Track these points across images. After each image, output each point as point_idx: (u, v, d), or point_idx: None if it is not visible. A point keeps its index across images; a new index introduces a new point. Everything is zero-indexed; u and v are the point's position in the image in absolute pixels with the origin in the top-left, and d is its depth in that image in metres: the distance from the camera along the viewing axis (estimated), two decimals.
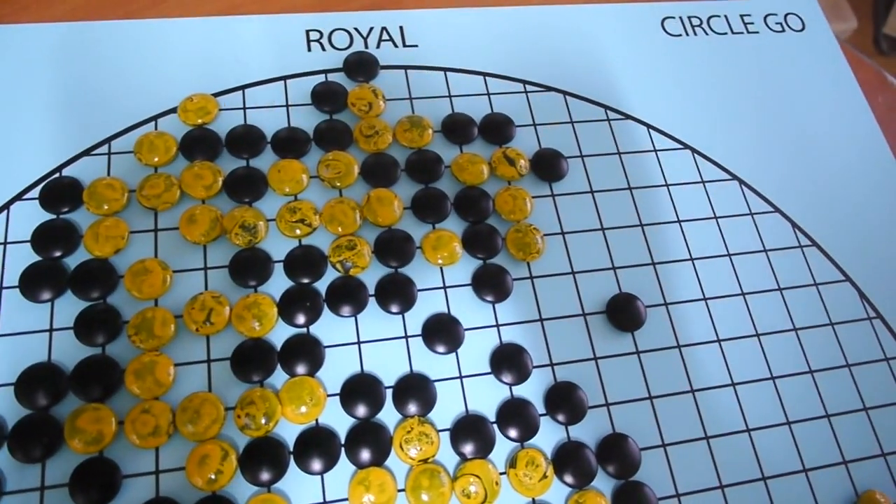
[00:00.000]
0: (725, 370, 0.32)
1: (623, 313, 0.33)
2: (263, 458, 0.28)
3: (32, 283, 0.30)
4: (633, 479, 0.30)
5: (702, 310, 0.34)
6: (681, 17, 0.42)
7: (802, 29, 0.43)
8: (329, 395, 0.30)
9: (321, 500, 0.28)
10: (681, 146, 0.38)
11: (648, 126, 0.38)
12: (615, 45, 0.41)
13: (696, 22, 0.42)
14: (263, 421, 0.28)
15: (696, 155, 0.38)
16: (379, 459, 0.29)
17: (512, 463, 0.29)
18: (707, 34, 0.42)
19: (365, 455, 0.29)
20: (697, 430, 0.31)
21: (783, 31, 0.43)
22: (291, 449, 0.28)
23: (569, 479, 0.29)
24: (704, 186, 0.37)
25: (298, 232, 0.32)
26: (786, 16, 0.43)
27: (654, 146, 0.38)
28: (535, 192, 0.35)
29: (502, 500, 0.29)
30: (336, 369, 0.30)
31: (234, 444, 0.28)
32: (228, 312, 0.30)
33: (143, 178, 0.33)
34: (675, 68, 0.40)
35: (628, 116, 0.38)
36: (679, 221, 0.36)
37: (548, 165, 0.36)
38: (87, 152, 0.33)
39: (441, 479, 0.28)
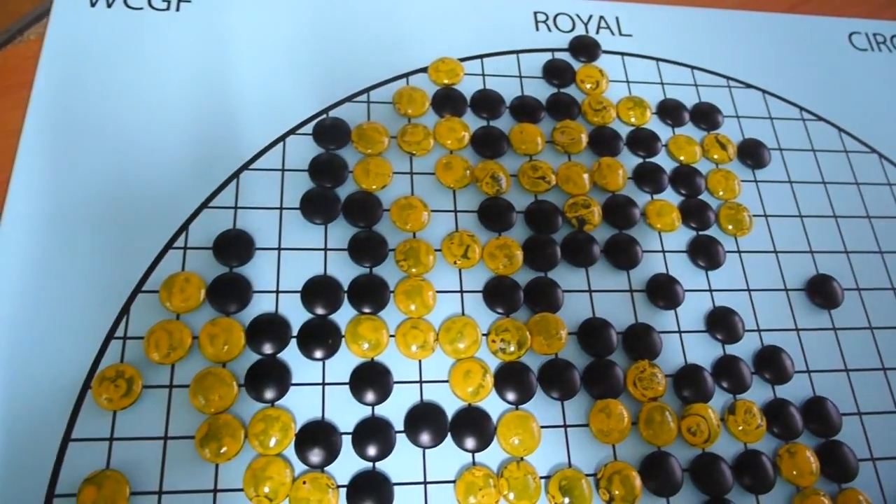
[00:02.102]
0: None
1: (822, 292, 0.36)
2: (515, 383, 0.31)
3: (310, 207, 0.34)
4: (834, 438, 0.33)
5: (891, 298, 0.37)
6: (867, 34, 0.45)
7: None
8: (570, 334, 0.33)
9: (561, 423, 0.31)
10: (868, 150, 0.41)
11: (839, 129, 0.41)
12: (806, 52, 0.44)
13: (880, 39, 0.45)
14: (513, 349, 0.32)
15: (882, 159, 0.41)
16: (615, 394, 0.32)
17: (731, 410, 0.32)
18: (891, 51, 0.45)
19: (601, 388, 0.32)
20: (890, 404, 0.34)
21: None
22: (537, 376, 0.32)
23: (777, 430, 0.32)
24: (891, 189, 0.40)
25: (539, 187, 0.36)
26: None
27: (844, 147, 0.41)
28: (741, 176, 0.38)
29: (719, 443, 0.32)
30: (572, 313, 0.33)
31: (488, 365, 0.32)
32: (480, 251, 0.34)
33: (403, 126, 0.36)
34: (861, 79, 0.43)
35: (820, 118, 0.41)
36: (868, 217, 0.39)
37: (753, 153, 0.39)
38: (349, 98, 0.37)
39: (668, 416, 0.32)
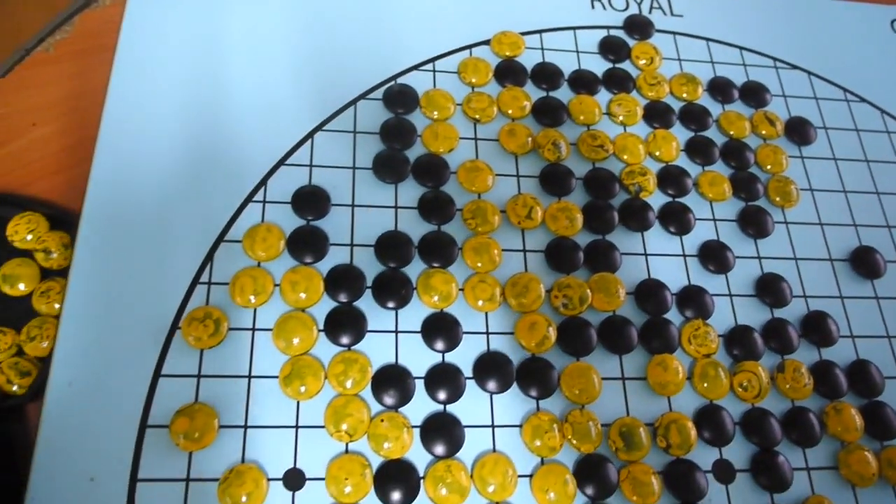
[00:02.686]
0: None
1: (865, 263, 0.37)
2: (577, 336, 0.33)
3: (382, 167, 0.35)
4: (877, 399, 0.34)
5: None
6: None
7: None
8: (627, 294, 0.35)
9: (619, 375, 0.33)
10: None
11: (882, 111, 0.43)
12: (850, 37, 0.45)
13: None
14: (575, 304, 0.33)
15: None
16: (671, 349, 0.33)
17: (780, 368, 0.34)
18: None
19: (658, 344, 0.33)
20: None
21: None
22: (597, 331, 0.33)
23: (823, 390, 0.34)
24: None
25: (595, 155, 0.37)
26: None
27: (886, 128, 0.42)
28: (788, 153, 0.40)
29: (768, 400, 0.33)
30: (629, 274, 0.35)
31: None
32: (542, 213, 0.35)
33: (469, 94, 0.38)
34: None
35: (863, 100, 0.43)
36: None
37: (799, 130, 0.40)
38: (416, 67, 0.39)
39: (721, 372, 0.33)
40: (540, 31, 0.41)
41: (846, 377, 0.34)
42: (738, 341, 0.34)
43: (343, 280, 0.32)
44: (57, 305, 0.32)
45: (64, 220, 0.34)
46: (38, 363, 0.32)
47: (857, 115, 0.42)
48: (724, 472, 0.32)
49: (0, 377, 0.31)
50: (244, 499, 0.28)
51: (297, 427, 0.30)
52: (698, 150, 0.39)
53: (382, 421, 0.30)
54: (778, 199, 0.38)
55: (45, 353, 0.32)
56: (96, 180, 0.33)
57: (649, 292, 0.35)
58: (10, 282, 0.33)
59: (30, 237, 0.34)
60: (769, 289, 0.36)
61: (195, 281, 0.32)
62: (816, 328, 0.35)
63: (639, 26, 0.42)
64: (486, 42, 0.40)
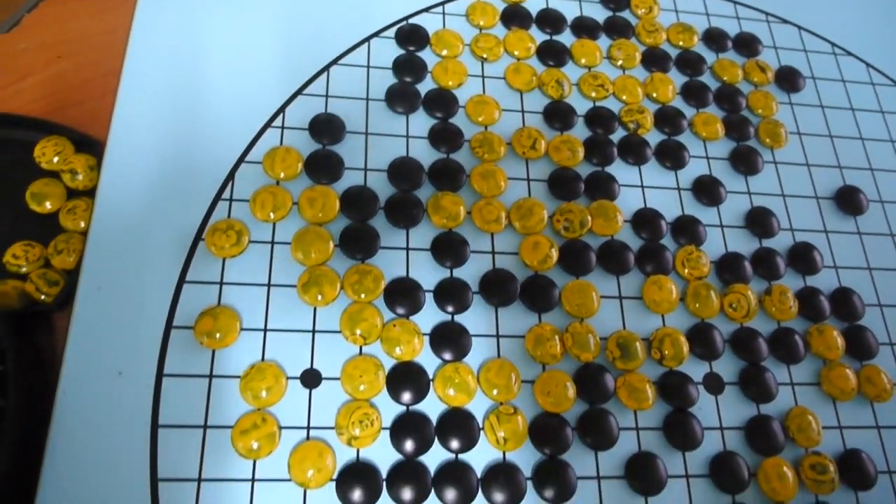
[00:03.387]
0: None
1: (849, 201, 0.40)
2: (577, 257, 0.35)
3: (394, 99, 0.37)
4: (857, 323, 0.37)
5: None
6: None
7: None
8: (625, 221, 0.37)
9: (617, 294, 0.35)
10: (893, 83, 0.45)
11: (868, 64, 0.45)
12: None
13: None
14: (576, 228, 0.35)
15: None
16: (665, 271, 0.35)
17: (767, 291, 0.36)
18: None
19: (653, 266, 0.35)
20: None
21: None
22: (596, 253, 0.35)
23: (807, 313, 0.36)
24: None
25: (595, 94, 0.39)
26: None
27: (871, 80, 0.45)
28: (778, 99, 0.42)
29: (756, 321, 0.36)
30: (627, 204, 0.37)
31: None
32: (546, 145, 0.37)
33: (476, 34, 0.40)
34: (890, 19, 0.47)
35: (850, 53, 0.45)
36: (892, 141, 0.43)
37: (789, 79, 0.43)
38: (426, 9, 0.41)
39: (712, 294, 0.35)
40: None
41: (829, 302, 0.37)
42: (729, 267, 0.36)
43: (357, 200, 0.34)
44: (83, 223, 0.34)
45: (89, 144, 0.36)
46: (65, 275, 0.33)
47: (843, 68, 0.45)
48: (714, 383, 0.34)
49: (29, 286, 0.33)
50: (264, 393, 0.30)
51: (313, 332, 0.32)
52: (693, 93, 0.41)
53: (395, 326, 0.32)
54: (768, 140, 0.40)
55: (72, 266, 0.33)
56: (123, 104, 0.35)
57: (645, 220, 0.37)
58: (38, 200, 0.35)
59: (56, 159, 0.35)
60: (758, 221, 0.38)
61: (217, 197, 0.34)
62: (802, 258, 0.37)
63: None
64: None
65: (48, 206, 0.35)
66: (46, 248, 0.34)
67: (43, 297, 0.32)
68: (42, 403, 0.29)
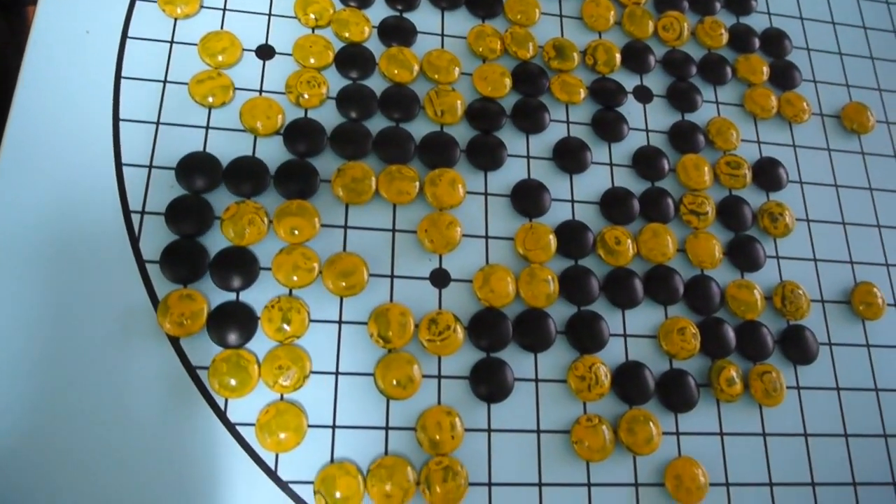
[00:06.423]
0: None
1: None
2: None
3: None
4: (785, 59, 0.39)
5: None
6: None
7: None
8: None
9: (558, 13, 0.37)
10: None
11: None
12: None
13: None
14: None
15: None
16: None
17: (700, 21, 0.39)
18: None
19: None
20: None
21: None
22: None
23: (737, 44, 0.39)
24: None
25: None
26: None
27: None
28: None
29: (688, 45, 0.38)
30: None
31: None
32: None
33: None
34: None
35: None
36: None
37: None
38: None
39: (648, 18, 0.38)
40: None
41: (760, 39, 0.39)
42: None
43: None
44: None
45: None
46: None
47: None
48: (643, 94, 0.36)
49: None
50: (220, 57, 0.32)
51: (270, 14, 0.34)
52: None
53: (346, 10, 0.34)
54: None
55: None
56: None
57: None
58: None
59: None
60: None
61: None
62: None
63: None
64: None
65: None
66: None
67: None
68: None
